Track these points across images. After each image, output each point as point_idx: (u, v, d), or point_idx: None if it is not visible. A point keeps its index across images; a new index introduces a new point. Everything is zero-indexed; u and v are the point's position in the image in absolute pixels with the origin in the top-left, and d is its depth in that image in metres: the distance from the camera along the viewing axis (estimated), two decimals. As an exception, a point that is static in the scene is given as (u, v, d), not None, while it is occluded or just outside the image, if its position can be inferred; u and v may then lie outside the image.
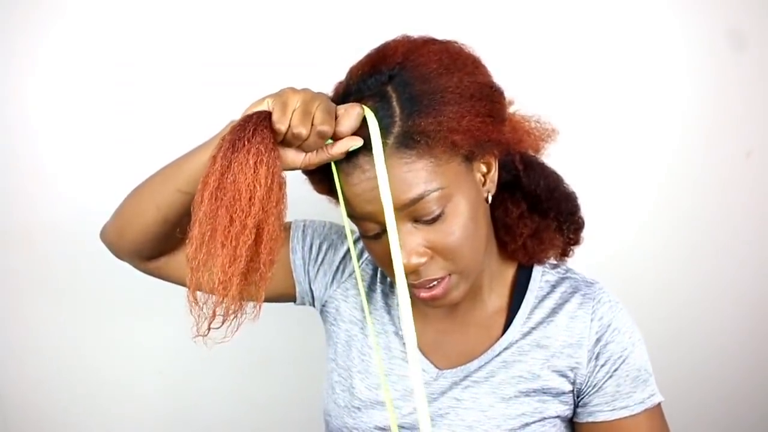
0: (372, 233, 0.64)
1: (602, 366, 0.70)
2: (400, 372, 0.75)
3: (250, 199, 0.56)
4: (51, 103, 1.11)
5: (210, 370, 1.21)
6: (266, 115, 0.58)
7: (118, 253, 0.79)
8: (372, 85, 0.61)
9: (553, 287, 0.74)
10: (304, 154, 0.61)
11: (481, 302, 0.74)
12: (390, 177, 0.59)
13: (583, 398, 0.71)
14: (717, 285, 1.24)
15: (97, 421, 1.24)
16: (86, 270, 1.15)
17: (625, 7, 1.13)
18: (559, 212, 0.75)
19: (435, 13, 1.10)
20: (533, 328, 0.72)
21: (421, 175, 0.60)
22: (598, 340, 0.70)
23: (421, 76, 0.60)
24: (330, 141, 0.60)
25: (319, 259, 0.81)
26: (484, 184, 0.66)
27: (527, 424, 0.70)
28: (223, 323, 0.60)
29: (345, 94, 0.64)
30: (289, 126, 0.58)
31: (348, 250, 0.82)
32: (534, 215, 0.74)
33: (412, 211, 0.61)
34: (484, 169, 0.66)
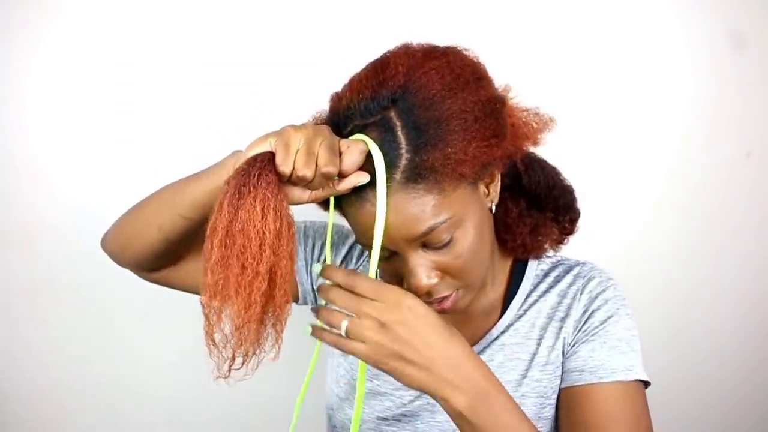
0: (381, 257, 0.64)
1: (583, 331, 0.71)
2: None
3: (260, 246, 0.56)
4: (50, 103, 1.11)
5: (209, 370, 1.21)
6: (270, 157, 0.57)
7: (120, 263, 0.80)
8: (374, 110, 0.60)
9: (547, 273, 0.76)
10: (309, 190, 0.61)
11: (484, 294, 0.76)
12: (398, 211, 0.59)
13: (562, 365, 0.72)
14: (717, 285, 1.24)
15: (97, 420, 1.24)
16: (86, 270, 1.15)
17: (625, 7, 1.13)
18: (557, 206, 0.76)
19: (436, 11, 1.10)
20: (527, 310, 0.75)
21: (429, 209, 0.59)
22: (585, 311, 0.72)
23: (425, 101, 0.59)
24: (335, 177, 0.60)
25: (321, 259, 0.82)
26: (487, 195, 0.67)
27: (523, 404, 0.71)
28: (242, 365, 0.61)
29: (346, 116, 0.62)
30: (294, 168, 0.57)
31: (350, 249, 0.83)
32: (532, 211, 0.75)
33: (422, 241, 0.61)
34: (487, 180, 0.66)
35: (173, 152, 1.11)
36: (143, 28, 1.09)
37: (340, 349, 0.60)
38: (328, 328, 0.61)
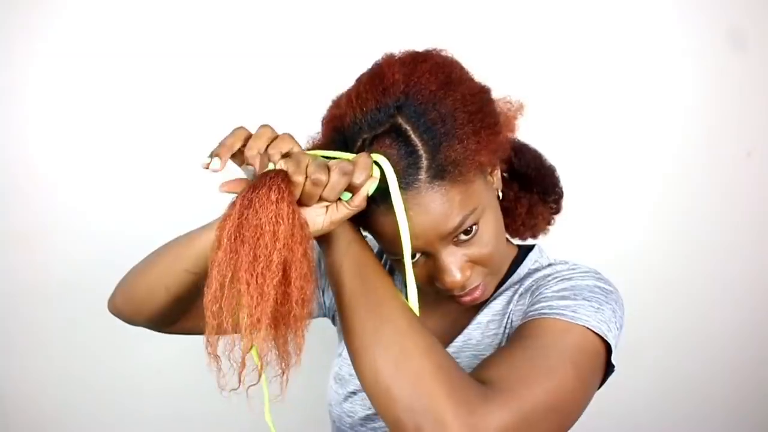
0: (412, 260, 0.64)
1: (532, 293, 0.69)
2: None
3: (273, 234, 0.53)
4: (50, 104, 1.11)
5: (209, 371, 1.21)
6: (282, 171, 0.57)
7: (135, 325, 0.78)
8: (382, 120, 0.61)
9: (531, 272, 0.75)
10: (324, 213, 0.60)
11: None
12: (429, 211, 0.60)
13: None
14: (717, 285, 1.24)
15: (97, 420, 1.24)
16: (85, 270, 1.15)
17: (626, 7, 1.13)
18: (544, 186, 0.78)
19: (434, 10, 1.10)
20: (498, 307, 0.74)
21: (456, 202, 0.61)
22: (533, 285, 0.70)
23: (428, 102, 0.60)
24: (349, 196, 0.60)
25: (323, 269, 0.83)
26: (492, 183, 0.68)
27: (501, 342, 0.70)
28: (260, 375, 0.57)
29: (353, 132, 0.63)
30: (307, 175, 0.57)
31: None
32: (524, 193, 0.78)
33: (454, 236, 0.62)
34: (489, 169, 0.67)
35: (173, 154, 1.11)
36: (142, 30, 1.09)
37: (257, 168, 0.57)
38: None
